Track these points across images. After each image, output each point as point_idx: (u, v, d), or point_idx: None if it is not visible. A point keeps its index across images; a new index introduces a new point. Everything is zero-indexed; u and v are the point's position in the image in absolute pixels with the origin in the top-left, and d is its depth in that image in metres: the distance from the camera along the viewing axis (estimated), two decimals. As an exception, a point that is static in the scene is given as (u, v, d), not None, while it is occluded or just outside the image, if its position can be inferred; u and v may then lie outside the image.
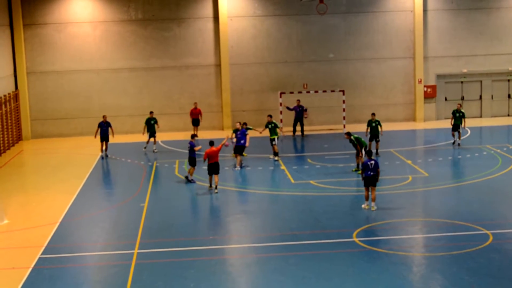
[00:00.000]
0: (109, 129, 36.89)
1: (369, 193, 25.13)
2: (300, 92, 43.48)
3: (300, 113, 41.49)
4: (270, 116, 34.90)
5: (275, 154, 34.30)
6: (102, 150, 36.90)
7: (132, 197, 28.09)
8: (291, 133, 41.62)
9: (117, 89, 44.41)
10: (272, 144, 34.45)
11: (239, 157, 33.19)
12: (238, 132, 33.55)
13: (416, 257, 20.36)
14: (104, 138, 36.85)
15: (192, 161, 30.17)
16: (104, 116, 37.58)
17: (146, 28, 44.08)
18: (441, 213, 24.49)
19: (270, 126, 34.39)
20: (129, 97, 44.47)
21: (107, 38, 44.06)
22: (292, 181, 30.19)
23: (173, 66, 44.43)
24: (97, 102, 44.09)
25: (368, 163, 25.02)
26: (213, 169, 28.20)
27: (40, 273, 19.63)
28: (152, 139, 37.61)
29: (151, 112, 38.10)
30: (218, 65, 44.43)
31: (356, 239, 21.79)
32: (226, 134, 34.42)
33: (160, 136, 39.75)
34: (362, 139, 30.96)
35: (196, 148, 30.15)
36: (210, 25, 44.26)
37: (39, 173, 34.25)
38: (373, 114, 35.21)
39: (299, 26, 44.76)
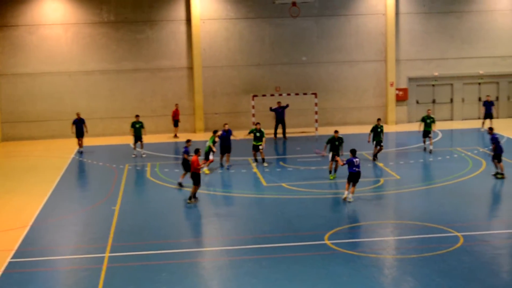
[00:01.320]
0: (83, 125, 37.45)
1: (350, 186, 26.36)
2: (272, 95, 43.54)
3: (281, 115, 41.57)
4: (258, 123, 34.52)
5: (263, 160, 34.04)
6: (79, 145, 38.16)
7: (104, 200, 27.94)
8: (273, 136, 41.52)
9: (89, 91, 44.19)
10: (258, 150, 34.04)
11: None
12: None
13: (388, 259, 20.44)
14: (79, 134, 37.99)
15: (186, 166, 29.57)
16: (77, 113, 38.30)
17: (118, 30, 43.91)
18: (412, 216, 24.60)
19: (258, 133, 33.90)
20: (101, 99, 44.25)
21: (78, 40, 43.83)
22: (264, 183, 30.20)
23: (145, 68, 44.29)
24: (69, 104, 43.80)
25: (354, 160, 26.20)
26: (193, 178, 27.07)
27: (10, 278, 19.45)
28: (139, 143, 36.62)
29: (137, 116, 37.37)
30: (191, 68, 44.36)
31: (328, 242, 21.84)
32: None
33: (132, 139, 39.36)
34: None
35: (186, 156, 29.22)
36: (182, 27, 44.20)
37: (10, 176, 33.95)
38: (379, 120, 35.08)
39: (272, 28, 44.82)
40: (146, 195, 29.14)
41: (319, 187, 29.41)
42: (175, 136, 42.77)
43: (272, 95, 43.60)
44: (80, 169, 35.04)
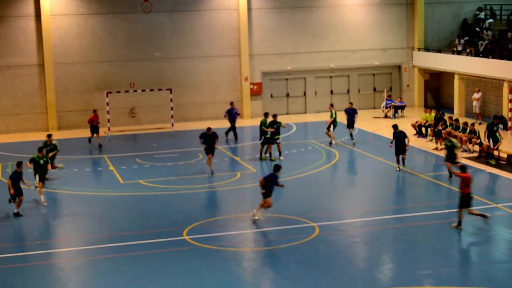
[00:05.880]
0: None
1: None
2: (127, 91, 43.08)
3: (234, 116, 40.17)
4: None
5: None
6: None
7: (-47, 204, 26.89)
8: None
9: None
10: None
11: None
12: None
13: (246, 252, 20.65)
14: None
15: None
16: None
17: (-37, 27, 42.26)
18: (269, 208, 24.92)
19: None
20: None
21: None
22: (121, 181, 29.86)
23: (-6, 66, 42.84)
24: None
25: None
26: None
27: None
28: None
29: (49, 135, 32.75)
30: (42, 65, 43.21)
31: (186, 237, 21.85)
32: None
33: None
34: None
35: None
36: (31, 23, 42.95)
37: None
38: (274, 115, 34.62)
39: (124, 24, 44.27)
40: (-2, 197, 28.21)
41: (176, 183, 29.37)
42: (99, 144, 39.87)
43: (126, 91, 43.13)
44: None
